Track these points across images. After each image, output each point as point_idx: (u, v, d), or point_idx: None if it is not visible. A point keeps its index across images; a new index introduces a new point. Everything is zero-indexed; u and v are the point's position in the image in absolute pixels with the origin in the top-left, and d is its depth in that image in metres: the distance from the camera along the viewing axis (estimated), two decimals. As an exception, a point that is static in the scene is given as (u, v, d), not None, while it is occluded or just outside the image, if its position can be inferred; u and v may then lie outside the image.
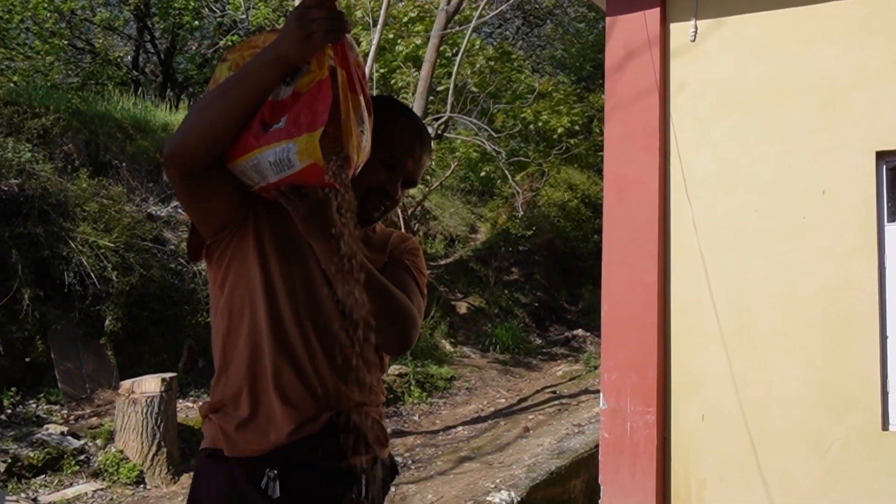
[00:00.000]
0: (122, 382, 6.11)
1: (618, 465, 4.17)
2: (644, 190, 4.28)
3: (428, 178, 10.50)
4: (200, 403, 7.33)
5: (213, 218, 1.61)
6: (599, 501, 4.20)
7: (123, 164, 8.80)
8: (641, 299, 4.24)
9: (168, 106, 11.73)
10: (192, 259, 1.73)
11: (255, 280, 1.62)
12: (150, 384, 5.89)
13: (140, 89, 12.94)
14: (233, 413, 1.64)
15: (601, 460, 4.24)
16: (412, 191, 11.79)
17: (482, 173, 11.97)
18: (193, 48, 15.01)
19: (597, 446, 4.84)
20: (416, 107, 8.40)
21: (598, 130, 12.97)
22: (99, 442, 6.10)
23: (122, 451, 5.86)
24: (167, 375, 6.04)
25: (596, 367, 9.86)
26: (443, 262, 12.32)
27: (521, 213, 11.95)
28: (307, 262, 1.63)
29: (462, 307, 11.79)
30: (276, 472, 1.57)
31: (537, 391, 9.42)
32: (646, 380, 4.21)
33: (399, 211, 9.46)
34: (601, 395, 4.31)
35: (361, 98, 1.52)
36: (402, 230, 4.53)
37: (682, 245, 4.20)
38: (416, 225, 11.03)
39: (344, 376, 1.61)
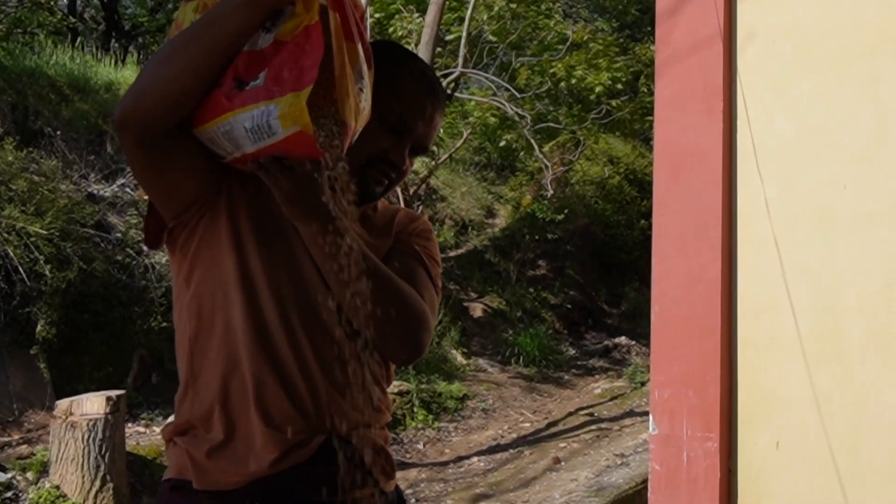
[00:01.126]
0: (58, 402, 6.11)
1: (671, 504, 4.13)
2: (704, 163, 4.24)
3: (434, 149, 10.48)
4: (156, 427, 7.35)
5: (177, 195, 1.63)
6: (648, 549, 4.17)
7: (58, 133, 8.82)
8: (701, 299, 4.19)
9: (113, 60, 11.76)
10: (151, 246, 1.74)
11: (229, 272, 1.64)
12: (92, 404, 5.92)
13: (78, 40, 13.08)
14: (203, 436, 1.65)
15: (651, 498, 4.18)
16: (413, 165, 11.66)
17: (502, 143, 12.01)
18: (144, -12, 14.99)
19: (644, 481, 4.86)
20: (420, 61, 8.39)
21: (645, 90, 12.96)
22: (30, 475, 6.13)
23: (58, 487, 5.88)
24: (113, 393, 6.06)
25: (643, 384, 9.91)
26: (453, 253, 12.41)
27: (550, 192, 11.94)
28: (294, 250, 1.65)
29: (477, 309, 11.89)
30: None
31: (570, 413, 9.49)
32: (706, 399, 4.18)
33: (399, 190, 9.47)
34: (650, 417, 4.27)
35: (360, 47, 1.53)
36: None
37: (752, 232, 4.16)
38: (420, 207, 11.06)
39: (342, 390, 1.62)
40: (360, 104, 1.54)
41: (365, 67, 1.55)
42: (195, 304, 1.67)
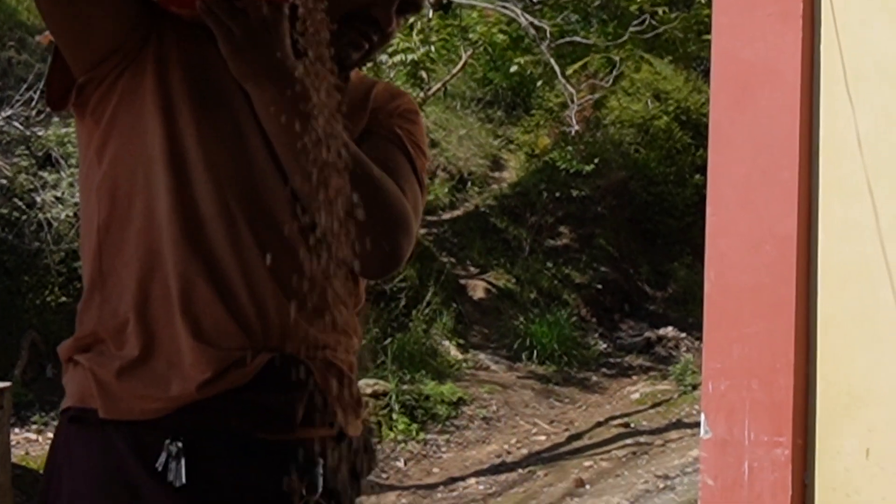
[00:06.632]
0: (-79, 400, 6.08)
1: (728, 529, 4.17)
2: (777, 86, 4.19)
3: (423, 75, 10.30)
4: (51, 434, 7.49)
5: (91, 40, 1.64)
6: (697, 589, 4.21)
7: None
8: (770, 263, 4.14)
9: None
10: (53, 108, 1.78)
11: (155, 145, 1.64)
12: (-34, 402, 5.98)
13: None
14: (113, 353, 1.66)
15: (701, 522, 4.24)
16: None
17: (512, 68, 11.54)
18: None
19: (694, 504, 4.87)
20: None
21: (702, -1, 12.56)
22: None
23: (-77, 506, 5.90)
24: (-5, 387, 6.10)
25: (695, 388, 9.95)
26: (447, 215, 12.49)
27: (575, 129, 11.54)
28: (240, 120, 1.67)
29: (478, 289, 11.95)
30: (180, 444, 1.58)
31: (599, 424, 9.58)
32: (775, 392, 4.14)
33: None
34: (702, 417, 4.21)
35: None
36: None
37: (838, 175, 4.09)
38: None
39: (296, 299, 1.63)
40: None
41: None
42: (108, 184, 1.68)
